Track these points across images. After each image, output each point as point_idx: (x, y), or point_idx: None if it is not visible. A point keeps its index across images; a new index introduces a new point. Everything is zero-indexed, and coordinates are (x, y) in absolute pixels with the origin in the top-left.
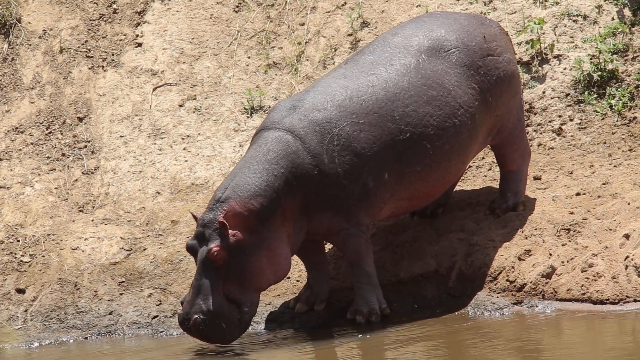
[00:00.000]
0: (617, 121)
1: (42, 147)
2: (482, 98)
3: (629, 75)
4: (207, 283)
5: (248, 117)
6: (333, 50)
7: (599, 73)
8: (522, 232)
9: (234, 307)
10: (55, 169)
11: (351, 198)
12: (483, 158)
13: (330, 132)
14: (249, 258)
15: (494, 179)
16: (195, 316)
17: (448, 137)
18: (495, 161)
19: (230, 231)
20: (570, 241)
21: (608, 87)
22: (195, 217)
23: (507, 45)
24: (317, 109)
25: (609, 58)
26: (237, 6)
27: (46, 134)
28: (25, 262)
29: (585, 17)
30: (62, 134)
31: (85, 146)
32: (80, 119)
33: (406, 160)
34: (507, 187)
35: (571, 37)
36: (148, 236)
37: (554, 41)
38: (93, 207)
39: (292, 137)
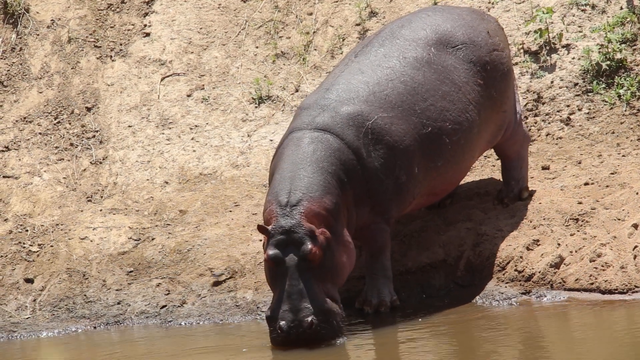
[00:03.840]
0: (625, 111)
1: (51, 137)
2: (487, 94)
3: (638, 65)
4: (307, 285)
5: (256, 107)
6: (341, 40)
7: (608, 62)
8: (531, 221)
9: (335, 303)
10: (63, 159)
11: (387, 192)
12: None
13: (363, 126)
14: (335, 254)
15: None
16: (310, 319)
17: (463, 132)
18: None
19: (317, 231)
20: (578, 231)
21: (616, 77)
22: (264, 228)
23: (506, 40)
24: (346, 105)
25: (618, 47)
26: None
27: (54, 124)
28: (34, 251)
29: (593, 7)
30: (70, 123)
31: (94, 136)
32: (89, 109)
33: (429, 154)
34: (510, 176)
35: (580, 26)
36: (156, 226)
37: (562, 30)
38: (101, 196)
39: (330, 135)
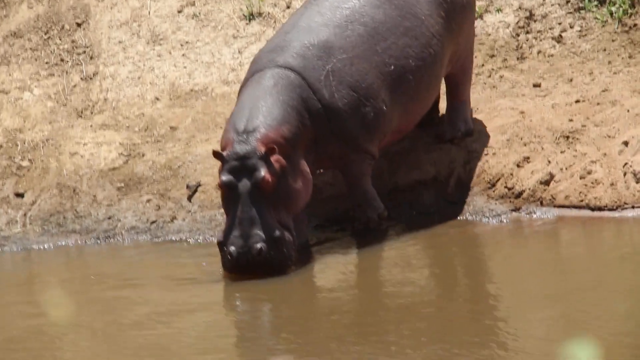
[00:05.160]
0: (617, 28)
1: (41, 53)
2: (448, 26)
3: None
4: (259, 212)
5: (247, 24)
6: None
7: None
8: (521, 139)
9: (288, 231)
10: (54, 74)
11: (354, 130)
12: (483, 65)
13: (324, 69)
14: (289, 183)
15: (494, 86)
16: (259, 245)
17: (426, 68)
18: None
19: (272, 158)
20: (569, 148)
21: None
22: (219, 154)
23: None
24: (306, 48)
25: None
26: None
27: (45, 40)
28: (24, 166)
29: None
30: (60, 39)
31: (84, 52)
32: (79, 25)
33: (394, 92)
34: (457, 117)
35: None
36: (147, 142)
37: None
38: (92, 112)
39: (292, 73)
